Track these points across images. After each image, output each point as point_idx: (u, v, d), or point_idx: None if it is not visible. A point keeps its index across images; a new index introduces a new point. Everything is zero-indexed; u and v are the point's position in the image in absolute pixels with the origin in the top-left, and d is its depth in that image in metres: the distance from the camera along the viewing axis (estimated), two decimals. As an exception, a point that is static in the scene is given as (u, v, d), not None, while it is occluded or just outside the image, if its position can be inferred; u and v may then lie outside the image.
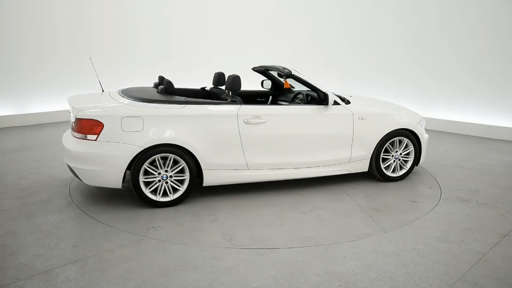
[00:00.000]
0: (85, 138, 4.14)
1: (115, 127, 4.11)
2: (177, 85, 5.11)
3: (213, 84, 5.43)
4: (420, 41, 8.58)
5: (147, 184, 4.25)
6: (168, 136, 4.19)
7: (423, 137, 5.26)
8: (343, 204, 4.52)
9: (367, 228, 3.92)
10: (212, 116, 4.37)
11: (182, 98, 4.46)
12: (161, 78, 5.13)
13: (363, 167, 5.07)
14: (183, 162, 4.27)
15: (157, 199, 4.27)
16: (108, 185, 4.23)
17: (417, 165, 5.38)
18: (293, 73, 4.89)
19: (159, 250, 3.46)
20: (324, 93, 4.80)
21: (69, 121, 5.03)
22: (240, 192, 4.81)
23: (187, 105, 4.35)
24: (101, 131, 4.09)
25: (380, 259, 3.34)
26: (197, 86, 5.86)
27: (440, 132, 8.14)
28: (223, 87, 5.38)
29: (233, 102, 4.56)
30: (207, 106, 4.41)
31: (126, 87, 5.09)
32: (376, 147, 5.02)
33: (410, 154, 5.22)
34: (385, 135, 5.01)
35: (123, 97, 4.46)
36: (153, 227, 3.90)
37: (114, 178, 4.16)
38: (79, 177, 4.27)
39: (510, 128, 7.55)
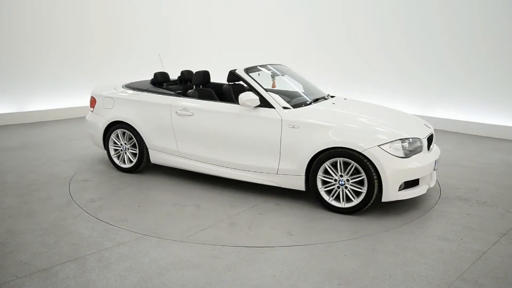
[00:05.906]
0: (90, 110, 5.70)
1: (100, 104, 5.51)
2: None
3: (227, 81, 5.47)
4: (420, 40, 8.56)
5: (115, 150, 5.41)
6: (121, 115, 5.22)
7: (383, 164, 3.84)
8: (235, 210, 4.21)
9: (196, 233, 3.71)
10: (153, 104, 5.07)
11: (146, 87, 5.34)
12: (183, 72, 6.03)
13: (297, 184, 4.27)
14: (134, 139, 5.18)
15: (119, 164, 5.39)
16: (97, 146, 5.65)
17: (382, 200, 3.98)
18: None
19: (159, 248, 3.47)
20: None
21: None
22: (191, 178, 5.12)
23: (143, 93, 5.23)
24: (95, 105, 5.59)
25: (379, 258, 3.34)
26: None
27: (439, 131, 8.13)
28: (239, 83, 5.63)
29: (178, 94, 5.09)
30: (152, 95, 5.15)
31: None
32: (310, 164, 4.16)
33: (364, 183, 3.97)
34: (319, 152, 4.07)
35: (122, 86, 5.57)
36: (81, 180, 5.12)
37: (99, 141, 5.53)
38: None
39: (510, 127, 7.54)
